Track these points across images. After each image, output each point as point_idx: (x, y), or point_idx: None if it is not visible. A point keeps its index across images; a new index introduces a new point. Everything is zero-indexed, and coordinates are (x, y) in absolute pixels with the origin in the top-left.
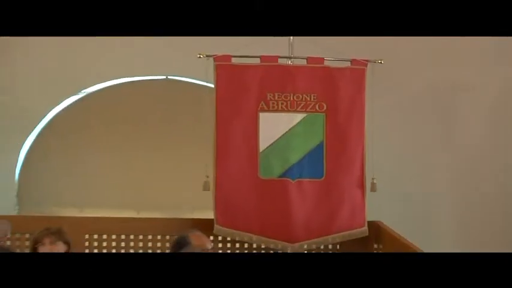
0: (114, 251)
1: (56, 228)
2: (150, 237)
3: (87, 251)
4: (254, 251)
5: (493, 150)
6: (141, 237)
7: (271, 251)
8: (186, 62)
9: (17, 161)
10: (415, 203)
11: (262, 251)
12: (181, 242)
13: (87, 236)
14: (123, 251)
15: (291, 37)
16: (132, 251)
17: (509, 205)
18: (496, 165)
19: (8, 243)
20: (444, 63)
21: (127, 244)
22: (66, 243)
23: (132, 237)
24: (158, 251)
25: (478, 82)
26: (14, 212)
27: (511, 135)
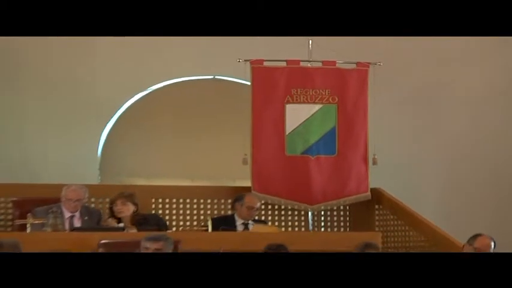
0: (174, 212)
1: (128, 193)
2: (202, 200)
3: (153, 212)
4: (282, 212)
5: (472, 133)
6: (195, 200)
7: (296, 212)
8: (229, 64)
9: (99, 141)
10: (408, 173)
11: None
12: (237, 199)
13: (153, 200)
14: (181, 211)
15: (310, 44)
16: (188, 212)
17: (484, 173)
18: (474, 144)
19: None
20: (432, 64)
21: (184, 206)
22: (135, 204)
23: (188, 200)
24: (208, 212)
25: (460, 79)
26: (96, 181)
27: (486, 121)
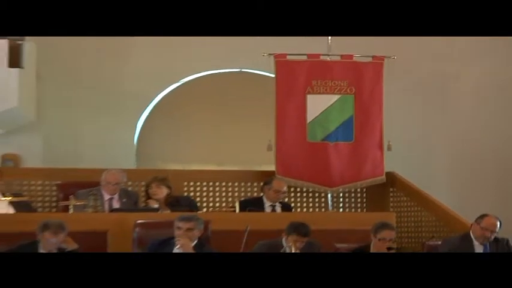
0: (204, 194)
1: (162, 176)
2: (230, 184)
3: (185, 194)
4: (304, 194)
5: (474, 119)
6: (223, 183)
7: (316, 193)
8: (254, 58)
9: (135, 130)
10: (420, 158)
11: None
12: (266, 183)
13: (185, 183)
14: (211, 194)
15: (329, 39)
16: (217, 194)
17: (491, 158)
18: (481, 131)
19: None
20: (439, 58)
21: (213, 189)
22: (169, 187)
23: (217, 184)
24: (236, 194)
25: (463, 72)
26: (133, 166)
27: (487, 110)
